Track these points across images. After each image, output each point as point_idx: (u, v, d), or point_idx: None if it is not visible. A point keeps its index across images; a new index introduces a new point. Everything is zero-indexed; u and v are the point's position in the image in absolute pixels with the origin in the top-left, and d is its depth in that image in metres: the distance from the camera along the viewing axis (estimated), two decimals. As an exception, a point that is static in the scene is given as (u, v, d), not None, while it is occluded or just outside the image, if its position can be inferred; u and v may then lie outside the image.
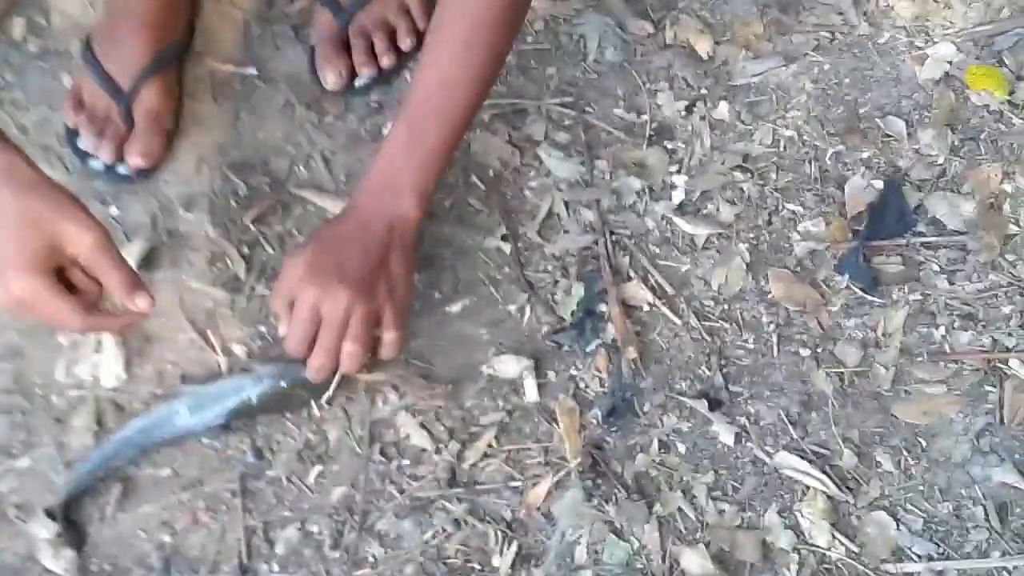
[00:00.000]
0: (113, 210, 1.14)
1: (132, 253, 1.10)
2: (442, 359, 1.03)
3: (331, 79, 1.17)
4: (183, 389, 1.01)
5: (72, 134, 1.16)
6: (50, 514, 0.97)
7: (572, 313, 1.03)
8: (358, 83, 1.19)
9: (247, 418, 0.99)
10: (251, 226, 1.12)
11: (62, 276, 0.81)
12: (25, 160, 0.81)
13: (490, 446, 0.99)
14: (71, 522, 0.98)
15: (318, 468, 0.99)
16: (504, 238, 1.09)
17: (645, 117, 1.16)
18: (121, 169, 1.14)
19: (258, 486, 0.99)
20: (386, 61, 1.18)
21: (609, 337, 1.03)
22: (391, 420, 1.01)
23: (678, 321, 1.04)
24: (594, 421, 0.99)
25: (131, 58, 1.14)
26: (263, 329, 1.07)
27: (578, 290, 1.04)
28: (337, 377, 0.97)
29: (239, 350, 1.06)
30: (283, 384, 0.97)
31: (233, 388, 0.99)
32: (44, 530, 0.97)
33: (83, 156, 1.15)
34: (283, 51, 1.24)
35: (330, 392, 0.98)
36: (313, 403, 0.99)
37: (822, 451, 1.00)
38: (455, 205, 1.12)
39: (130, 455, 0.99)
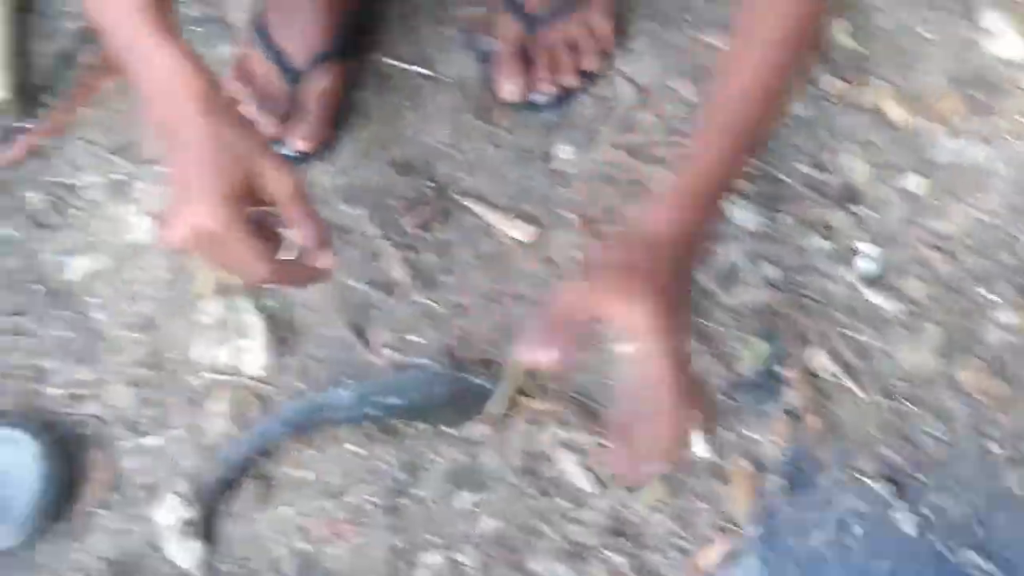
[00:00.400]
0: (268, 191, 1.09)
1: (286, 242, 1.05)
2: (609, 400, 0.98)
3: (509, 89, 1.13)
4: (347, 383, 0.96)
5: (232, 106, 1.11)
6: (186, 500, 0.91)
7: (753, 370, 0.98)
8: (535, 99, 1.15)
9: (409, 418, 0.96)
10: (410, 230, 1.07)
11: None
12: (225, 94, 0.76)
13: (657, 499, 0.93)
14: (205, 513, 0.91)
15: (470, 494, 0.94)
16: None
17: (832, 177, 1.12)
18: (281, 151, 1.09)
19: (405, 504, 0.94)
20: (568, 81, 1.15)
21: (788, 401, 0.98)
22: (550, 454, 0.96)
23: (863, 396, 1.00)
24: (771, 488, 0.94)
25: (308, 38, 1.11)
26: (413, 338, 1.01)
27: (762, 348, 0.99)
28: (506, 391, 0.93)
29: (389, 354, 1.01)
30: (455, 388, 0.92)
31: (401, 385, 0.95)
32: (171, 517, 0.91)
33: (243, 132, 1.10)
34: (453, 54, 1.21)
35: (500, 407, 0.93)
36: (477, 416, 0.96)
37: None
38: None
39: (282, 434, 0.95)
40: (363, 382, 0.96)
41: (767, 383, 1.00)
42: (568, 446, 0.98)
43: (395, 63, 1.20)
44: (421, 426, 0.98)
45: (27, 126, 1.15)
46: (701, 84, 1.18)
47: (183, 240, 0.71)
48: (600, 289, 0.71)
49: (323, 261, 0.77)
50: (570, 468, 0.97)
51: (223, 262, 0.74)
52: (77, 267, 1.07)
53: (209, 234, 0.70)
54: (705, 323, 1.04)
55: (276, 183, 0.73)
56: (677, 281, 0.73)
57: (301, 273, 0.78)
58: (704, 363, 1.02)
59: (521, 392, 0.97)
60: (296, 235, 0.75)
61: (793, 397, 1.00)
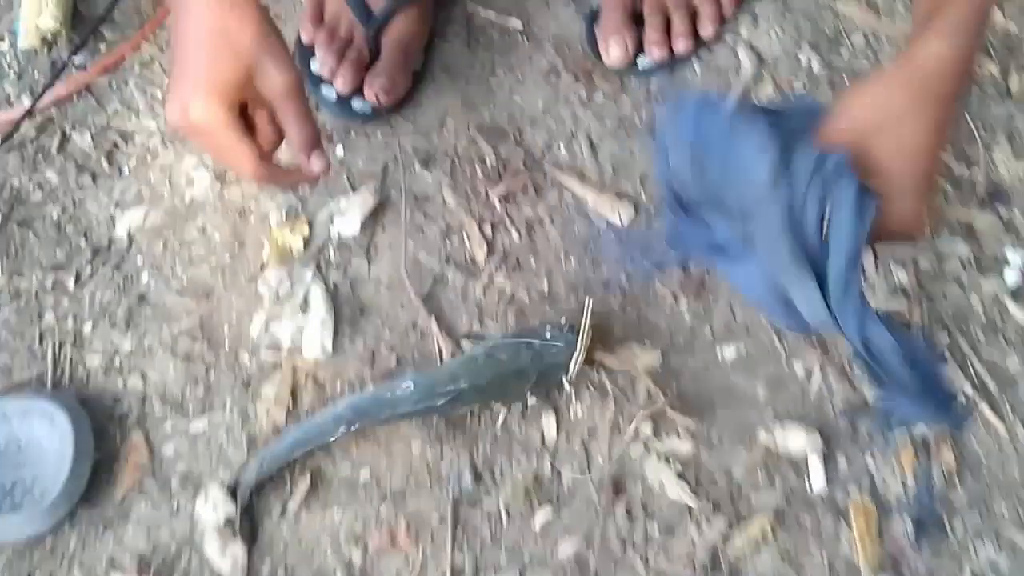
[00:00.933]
0: (339, 150, 1.00)
1: (356, 205, 0.94)
2: (709, 411, 0.87)
3: (615, 52, 1.01)
4: (411, 373, 0.87)
5: (306, 53, 1.02)
6: (232, 493, 0.81)
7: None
8: (642, 63, 1.03)
9: (477, 400, 0.87)
10: (497, 203, 0.96)
11: (244, 115, 0.75)
12: None
13: (763, 534, 0.82)
14: (247, 510, 0.82)
15: (546, 511, 0.84)
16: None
17: (978, 173, 0.98)
18: (356, 103, 1.00)
19: (472, 516, 0.84)
20: (681, 46, 1.03)
21: (918, 431, 0.85)
22: (640, 470, 0.84)
23: (1002, 429, 0.87)
24: (895, 532, 0.82)
25: (389, -24, 1.00)
26: (492, 325, 0.91)
27: (892, 365, 0.87)
28: (579, 355, 0.84)
29: (466, 345, 0.90)
30: (527, 347, 0.86)
31: (467, 367, 0.87)
32: (213, 512, 0.81)
33: (315, 81, 1.01)
34: (553, 10, 1.09)
35: (572, 372, 0.85)
36: (552, 382, 0.88)
37: None
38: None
39: (338, 428, 0.85)
40: (428, 372, 0.85)
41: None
42: (663, 458, 0.87)
43: (488, 15, 1.09)
44: (497, 427, 0.87)
45: (80, 61, 1.05)
46: (829, 57, 1.05)
47: (176, 127, 0.72)
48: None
49: (313, 165, 0.77)
50: (664, 487, 0.86)
51: (213, 154, 0.76)
52: (127, 222, 0.98)
53: (198, 125, 0.71)
54: (825, 335, 0.92)
55: (272, 79, 0.73)
56: (952, 109, 0.69)
57: (286, 176, 0.79)
58: (824, 381, 0.90)
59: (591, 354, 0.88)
60: (287, 135, 0.76)
61: (923, 426, 0.88)
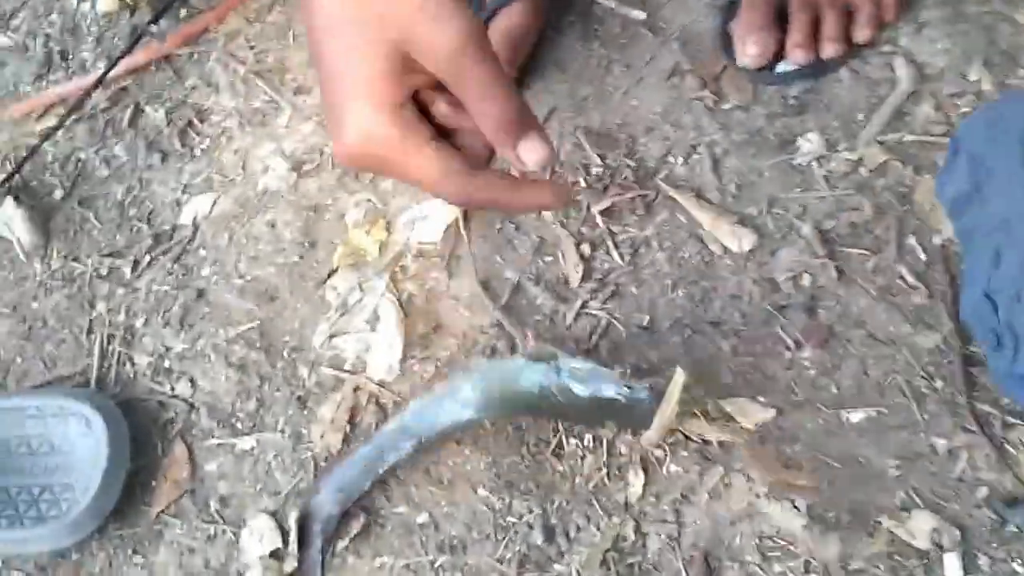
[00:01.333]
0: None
1: (441, 210, 0.85)
2: (827, 482, 0.74)
3: (752, 52, 0.89)
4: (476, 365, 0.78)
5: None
6: (275, 525, 0.73)
7: (1038, 482, 0.72)
8: (782, 68, 0.91)
9: (540, 413, 0.77)
10: (599, 219, 0.85)
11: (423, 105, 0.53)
12: None
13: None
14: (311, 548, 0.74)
15: (626, 582, 0.72)
16: (948, 341, 0.78)
17: None
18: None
19: (540, 581, 0.73)
20: (830, 50, 0.90)
21: (1083, 535, 0.72)
22: (735, 543, 0.72)
23: None
24: (1045, 656, 0.69)
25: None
26: (579, 362, 0.80)
27: (1055, 451, 0.73)
28: (660, 424, 0.73)
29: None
30: (608, 392, 0.74)
31: (532, 375, 0.75)
32: (259, 544, 0.73)
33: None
34: (684, 1, 0.96)
35: (660, 429, 0.74)
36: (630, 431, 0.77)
37: None
38: (880, 271, 0.83)
39: (398, 452, 0.76)
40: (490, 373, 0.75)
41: (1054, 504, 0.74)
42: (767, 536, 0.75)
43: (610, 2, 0.98)
44: (577, 479, 0.77)
45: (160, 29, 0.98)
46: (1002, 78, 0.90)
47: (346, 164, 0.52)
48: None
49: (523, 156, 0.51)
50: (765, 569, 0.74)
51: (401, 179, 0.53)
52: (194, 208, 0.90)
53: (365, 148, 0.50)
54: (982, 404, 0.79)
55: (428, 45, 0.49)
56: None
57: (510, 193, 0.53)
58: (971, 463, 0.77)
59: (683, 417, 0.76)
60: (472, 115, 0.51)
61: (1090, 531, 0.74)
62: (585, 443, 0.80)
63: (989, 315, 0.55)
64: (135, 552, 0.78)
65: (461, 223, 0.88)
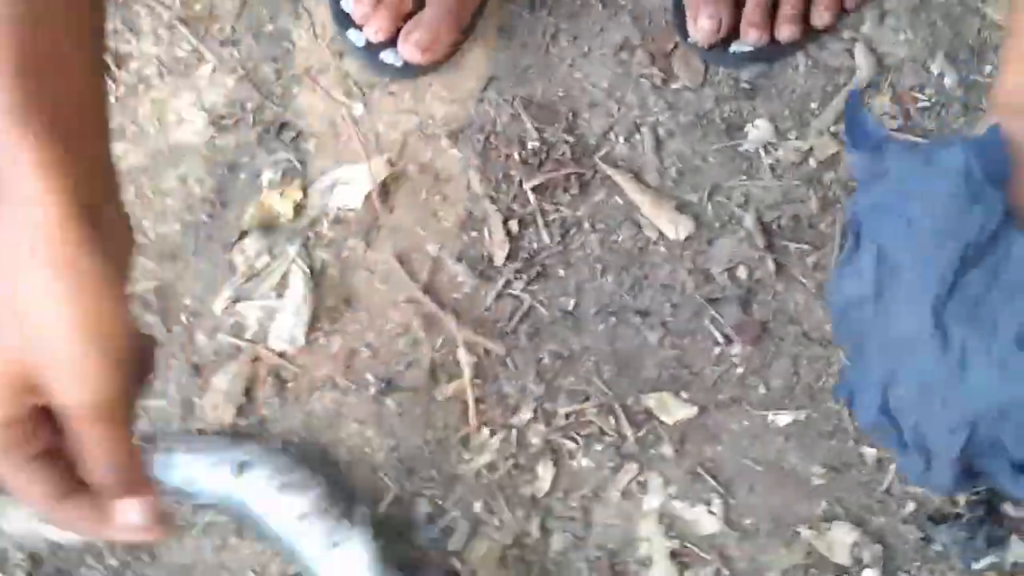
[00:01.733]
0: (358, 108, 0.85)
1: (364, 175, 0.81)
2: (745, 489, 0.70)
3: (705, 27, 0.86)
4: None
5: (338, -12, 0.86)
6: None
7: (966, 501, 0.68)
8: (736, 47, 0.88)
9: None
10: (531, 195, 0.81)
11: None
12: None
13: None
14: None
15: (523, 583, 0.69)
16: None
17: None
18: (387, 56, 0.86)
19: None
20: (786, 32, 0.87)
21: (1009, 560, 0.68)
22: (647, 548, 0.69)
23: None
24: None
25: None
26: (494, 347, 0.76)
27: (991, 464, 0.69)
28: None
29: (467, 360, 0.75)
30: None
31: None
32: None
33: (344, 21, 0.87)
34: (638, -27, 0.92)
35: None
36: None
37: None
38: (821, 268, 0.79)
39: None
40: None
41: (984, 525, 0.70)
42: (679, 537, 0.71)
43: (558, -31, 0.93)
44: (480, 465, 0.73)
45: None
46: (967, 71, 0.86)
47: None
48: None
49: (130, 519, 0.43)
50: (678, 571, 0.70)
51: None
52: (102, 159, 0.85)
53: None
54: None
55: (60, 389, 0.39)
56: None
57: (103, 527, 0.44)
58: (900, 476, 0.73)
59: None
60: (89, 469, 0.42)
61: (1017, 555, 0.70)
62: (495, 431, 0.76)
63: (889, 429, 0.48)
64: None
65: (382, 190, 0.83)
